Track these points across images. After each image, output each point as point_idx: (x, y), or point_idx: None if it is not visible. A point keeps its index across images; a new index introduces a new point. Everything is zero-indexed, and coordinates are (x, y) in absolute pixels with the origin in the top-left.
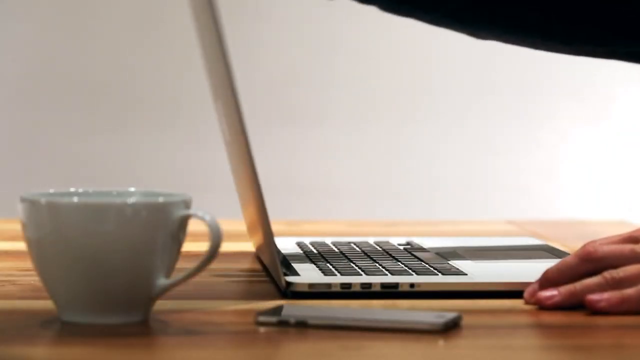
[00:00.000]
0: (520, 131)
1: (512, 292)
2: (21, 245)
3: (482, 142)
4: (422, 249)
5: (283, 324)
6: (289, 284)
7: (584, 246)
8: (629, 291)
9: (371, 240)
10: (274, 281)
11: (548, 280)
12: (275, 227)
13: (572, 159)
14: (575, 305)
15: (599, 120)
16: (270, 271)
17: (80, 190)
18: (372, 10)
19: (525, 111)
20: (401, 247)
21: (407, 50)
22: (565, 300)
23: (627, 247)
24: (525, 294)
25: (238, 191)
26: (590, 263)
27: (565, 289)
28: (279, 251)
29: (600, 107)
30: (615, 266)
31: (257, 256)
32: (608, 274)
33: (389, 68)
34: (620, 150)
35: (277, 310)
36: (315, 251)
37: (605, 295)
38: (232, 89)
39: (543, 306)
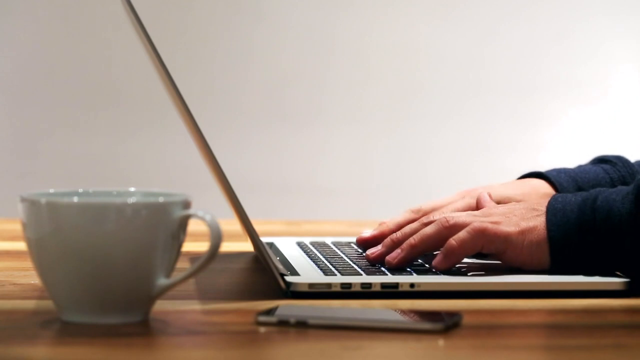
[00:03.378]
0: (520, 130)
1: (512, 292)
2: (21, 245)
3: (481, 142)
4: None
5: (283, 324)
6: (289, 284)
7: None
8: (461, 234)
9: None
10: (274, 281)
11: (393, 241)
12: (275, 227)
13: (571, 158)
14: (419, 255)
15: (597, 120)
16: (266, 268)
17: (80, 190)
18: (367, 10)
19: (525, 111)
20: None
21: (409, 48)
22: (408, 254)
23: (465, 212)
24: (368, 252)
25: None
26: (430, 224)
27: (406, 244)
28: (265, 247)
29: (601, 108)
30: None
31: (257, 256)
32: (443, 218)
33: (391, 67)
34: (620, 150)
35: (277, 310)
36: (315, 251)
37: (442, 250)
38: (177, 91)
39: (391, 266)
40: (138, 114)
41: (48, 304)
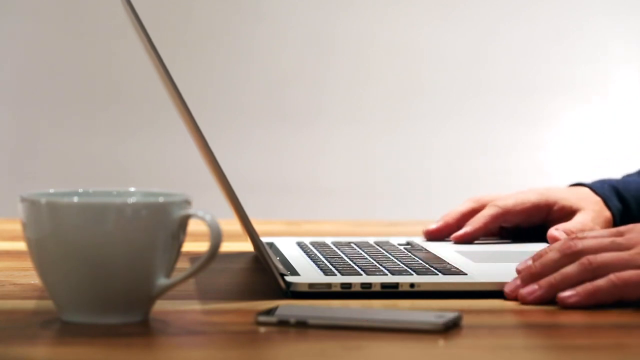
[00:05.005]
0: (520, 131)
1: None
2: (21, 245)
3: (481, 142)
4: (422, 249)
5: (283, 324)
6: (288, 284)
7: (566, 239)
8: (600, 282)
9: (371, 240)
10: (274, 281)
11: (532, 275)
12: (275, 227)
13: (571, 158)
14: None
15: (599, 121)
16: (266, 268)
17: (80, 190)
18: (367, 10)
19: (525, 111)
20: (401, 247)
21: (409, 48)
22: (545, 293)
23: (608, 239)
24: (507, 289)
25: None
26: (572, 257)
27: (545, 281)
28: (265, 247)
29: (601, 108)
30: None
31: (257, 256)
32: (586, 260)
33: (391, 67)
34: (620, 150)
35: (277, 310)
36: (315, 251)
37: (578, 289)
38: (177, 91)
39: (525, 302)
40: (138, 114)
41: (48, 304)
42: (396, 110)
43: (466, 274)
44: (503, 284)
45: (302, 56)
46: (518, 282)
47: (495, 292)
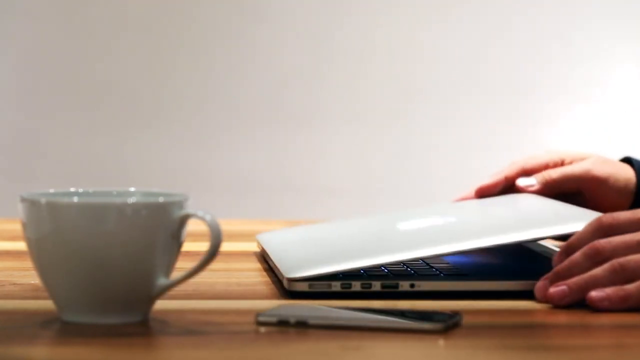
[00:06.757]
0: (520, 130)
1: (512, 292)
2: (21, 245)
3: (481, 142)
4: None
5: (283, 324)
6: (288, 283)
7: (594, 229)
8: (630, 287)
9: None
10: (274, 281)
11: (559, 277)
12: (275, 227)
13: None
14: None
15: (597, 120)
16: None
17: (80, 190)
18: (368, 10)
19: (524, 110)
20: None
21: (409, 48)
22: (575, 296)
23: (635, 240)
24: (537, 292)
25: None
26: (600, 262)
27: (575, 284)
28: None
29: (599, 107)
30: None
31: (261, 255)
32: (617, 263)
33: (391, 67)
34: (620, 150)
35: (277, 310)
36: None
37: (609, 292)
38: None
39: (554, 304)
40: (138, 114)
41: (48, 304)
42: (396, 110)
43: (466, 274)
44: (503, 284)
45: (302, 56)
46: (546, 282)
47: (495, 292)
